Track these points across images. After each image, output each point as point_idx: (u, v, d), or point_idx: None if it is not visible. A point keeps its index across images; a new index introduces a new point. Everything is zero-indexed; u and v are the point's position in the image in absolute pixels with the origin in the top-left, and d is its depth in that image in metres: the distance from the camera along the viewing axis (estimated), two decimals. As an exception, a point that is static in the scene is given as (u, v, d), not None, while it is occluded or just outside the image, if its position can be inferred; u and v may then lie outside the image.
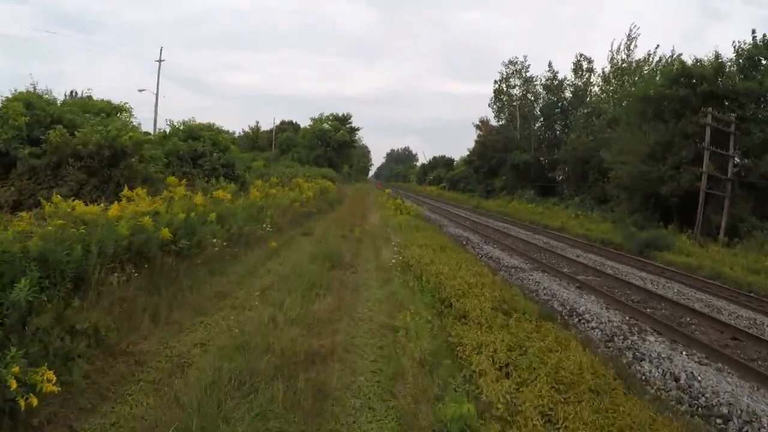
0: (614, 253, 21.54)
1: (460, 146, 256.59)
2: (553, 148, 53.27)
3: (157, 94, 46.85)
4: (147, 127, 55.38)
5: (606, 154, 35.70)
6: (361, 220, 20.85)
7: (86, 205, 8.47)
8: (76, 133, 11.50)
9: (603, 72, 48.37)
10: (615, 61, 47.04)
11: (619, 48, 47.11)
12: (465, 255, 13.96)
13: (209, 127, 17.87)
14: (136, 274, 6.80)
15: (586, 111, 52.28)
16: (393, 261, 11.35)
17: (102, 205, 7.83)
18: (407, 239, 14.20)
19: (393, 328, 7.18)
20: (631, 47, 46.69)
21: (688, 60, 31.85)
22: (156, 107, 47.01)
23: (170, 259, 7.77)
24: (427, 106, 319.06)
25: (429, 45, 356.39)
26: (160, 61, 47.95)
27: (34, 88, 13.86)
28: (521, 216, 36.80)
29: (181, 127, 17.58)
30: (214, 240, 9.46)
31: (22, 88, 13.17)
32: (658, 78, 34.86)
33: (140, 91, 48.72)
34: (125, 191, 8.71)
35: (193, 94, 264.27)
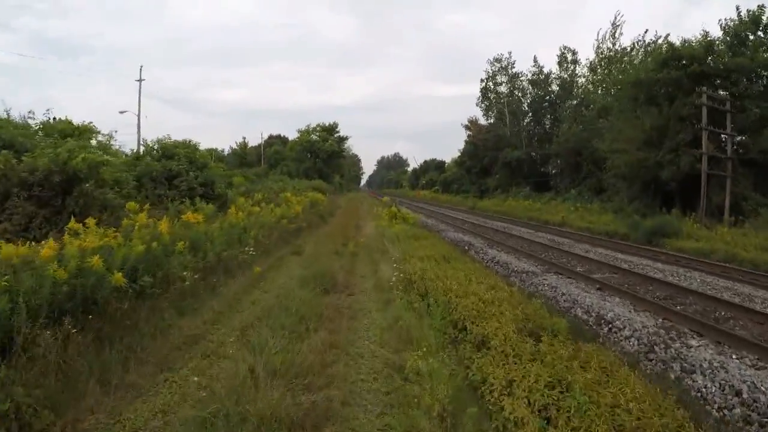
0: (623, 245, 20.35)
1: (450, 149, 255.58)
2: (544, 143, 52.25)
3: (138, 115, 45.47)
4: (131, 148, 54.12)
5: (600, 143, 34.62)
6: (355, 232, 19.53)
7: (33, 242, 7.14)
8: (23, 158, 10.11)
9: (589, 61, 47.37)
10: (601, 49, 46.03)
11: (605, 36, 46.14)
12: (472, 264, 12.64)
13: (185, 145, 16.51)
14: (75, 331, 5.38)
15: (574, 102, 51.41)
16: (393, 278, 10.01)
17: (47, 242, 6.47)
18: (406, 250, 12.87)
19: (400, 367, 5.84)
20: (617, 35, 45.75)
21: (676, 41, 31.03)
22: (138, 128, 45.64)
23: (126, 304, 6.36)
24: (415, 110, 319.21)
25: (414, 49, 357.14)
26: (140, 80, 46.60)
27: (8, 114, 12.47)
28: (519, 213, 35.62)
29: (155, 146, 16.19)
30: (185, 272, 8.06)
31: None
32: (649, 62, 33.86)
33: (121, 112, 47.46)
34: (71, 223, 7.29)
35: (182, 113, 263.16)
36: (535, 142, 53.44)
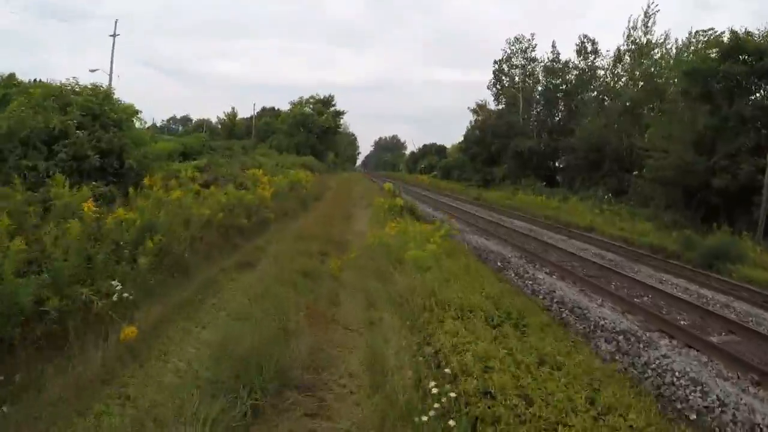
0: (688, 271, 15.29)
1: (449, 135, 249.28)
2: (554, 134, 46.66)
3: (110, 74, 39.40)
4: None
5: (638, 140, 29.15)
6: (343, 231, 14.03)
7: None
8: None
9: (618, 50, 41.49)
10: (632, 38, 40.18)
11: (635, 25, 40.20)
12: (538, 317, 7.10)
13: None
14: None
15: (593, 94, 45.96)
16: (410, 373, 4.49)
17: None
18: (428, 285, 7.25)
19: None
20: (649, 24, 39.84)
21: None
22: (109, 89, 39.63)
23: None
24: (415, 94, 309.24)
25: (418, 32, 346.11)
26: (114, 35, 40.42)
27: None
28: (534, 211, 30.13)
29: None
30: None
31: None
32: (705, 53, 28.41)
33: (92, 71, 41.28)
34: None
35: (178, 84, 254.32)
36: (545, 134, 47.89)
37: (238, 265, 9.01)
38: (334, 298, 7.60)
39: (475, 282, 8.12)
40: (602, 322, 8.47)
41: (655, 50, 38.65)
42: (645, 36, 39.60)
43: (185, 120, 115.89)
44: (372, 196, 28.18)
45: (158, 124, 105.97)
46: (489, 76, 53.39)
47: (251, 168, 15.74)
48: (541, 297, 9.76)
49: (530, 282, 10.86)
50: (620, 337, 7.81)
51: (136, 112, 12.13)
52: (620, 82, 42.14)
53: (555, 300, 9.60)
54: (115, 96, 11.76)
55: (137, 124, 12.85)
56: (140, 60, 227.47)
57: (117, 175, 9.66)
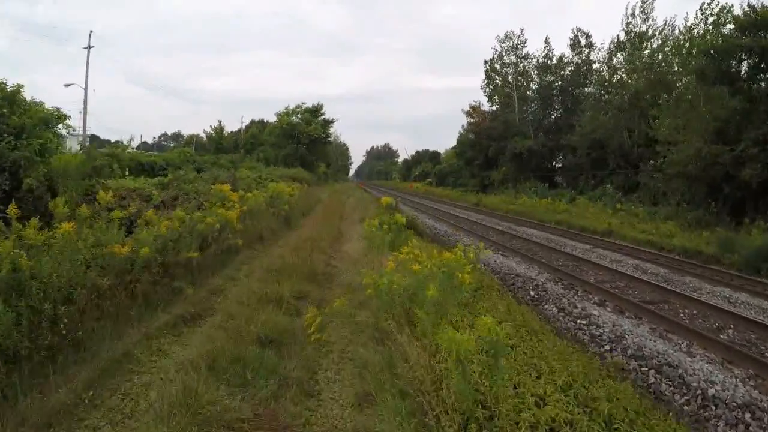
0: (744, 280, 12.56)
1: (441, 141, 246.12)
2: (551, 134, 43.93)
3: (86, 88, 36.79)
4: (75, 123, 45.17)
5: (654, 131, 26.30)
6: (331, 257, 11.11)
7: None
8: None
9: (617, 39, 38.83)
10: (631, 25, 37.53)
11: (633, 12, 37.56)
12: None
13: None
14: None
15: (589, 89, 43.36)
16: None
17: None
18: (464, 375, 4.36)
19: None
20: (648, 11, 37.22)
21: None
22: (85, 103, 37.01)
23: None
24: (406, 102, 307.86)
25: (405, 41, 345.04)
26: (88, 47, 37.79)
27: None
28: (542, 216, 27.28)
29: None
30: None
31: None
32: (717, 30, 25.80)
33: (66, 85, 38.63)
34: None
35: (168, 101, 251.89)
36: (541, 134, 45.18)
37: (173, 325, 6.09)
38: (308, 384, 4.73)
39: (527, 345, 5.25)
40: (710, 389, 5.63)
41: (656, 37, 36.03)
42: (644, 23, 37.03)
43: (177, 136, 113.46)
44: (365, 208, 25.31)
45: (149, 142, 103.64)
46: (479, 81, 51.01)
47: (222, 183, 12.81)
48: (607, 347, 6.90)
49: (583, 322, 7.95)
50: (746, 416, 4.99)
51: (60, 117, 9.25)
52: (617, 75, 39.53)
53: (629, 353, 6.71)
54: (31, 98, 8.95)
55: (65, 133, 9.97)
56: (131, 79, 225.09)
57: (10, 198, 6.78)
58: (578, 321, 8.02)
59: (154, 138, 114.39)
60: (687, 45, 29.59)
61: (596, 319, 8.10)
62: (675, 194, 25.33)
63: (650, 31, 36.68)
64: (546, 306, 8.91)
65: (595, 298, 9.60)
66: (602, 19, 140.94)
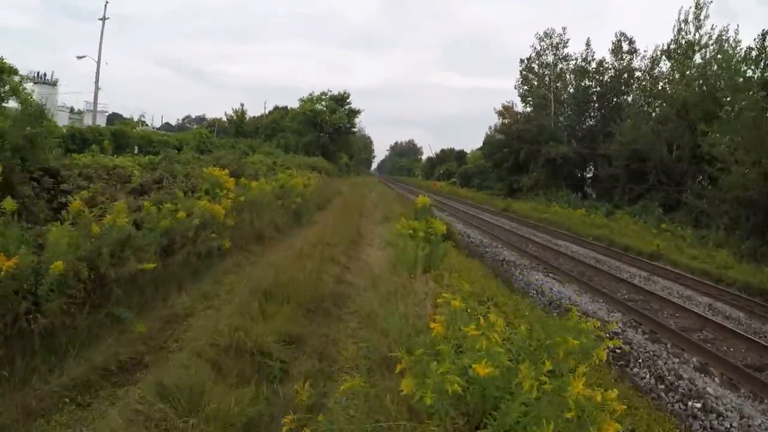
0: None
1: (463, 142, 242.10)
2: (585, 141, 40.88)
3: (99, 61, 34.83)
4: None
5: (710, 146, 23.36)
6: (343, 272, 8.73)
7: None
8: None
9: (668, 47, 35.62)
10: (683, 31, 34.35)
11: (687, 18, 34.34)
12: None
13: None
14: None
15: (631, 98, 40.20)
16: None
17: None
18: None
19: None
20: (702, 17, 33.97)
21: None
22: (97, 76, 35.06)
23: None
24: (429, 99, 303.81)
25: (434, 38, 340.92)
26: (104, 19, 35.78)
27: None
28: (578, 229, 24.63)
29: None
30: None
31: None
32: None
33: (79, 57, 36.77)
34: None
35: (194, 84, 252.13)
36: (574, 141, 42.16)
37: (84, 385, 3.79)
38: None
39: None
40: None
41: (710, 47, 32.84)
42: (697, 31, 33.84)
43: (200, 119, 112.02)
44: (388, 205, 22.90)
45: (172, 123, 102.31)
46: (505, 83, 48.08)
47: (222, 167, 10.47)
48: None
49: (697, 406, 5.46)
50: None
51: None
52: (660, 84, 36.43)
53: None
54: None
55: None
56: (159, 60, 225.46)
57: None
58: (690, 404, 5.52)
59: (178, 120, 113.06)
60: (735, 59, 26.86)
61: (712, 400, 5.59)
62: (722, 218, 22.57)
63: (703, 40, 33.53)
64: (637, 370, 6.42)
65: (693, 359, 7.07)
66: (642, 26, 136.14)
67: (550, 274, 12.37)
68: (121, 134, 22.89)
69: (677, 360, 6.89)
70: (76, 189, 6.92)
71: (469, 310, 3.79)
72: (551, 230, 24.30)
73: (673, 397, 5.76)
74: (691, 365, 6.80)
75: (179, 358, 4.18)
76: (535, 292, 10.39)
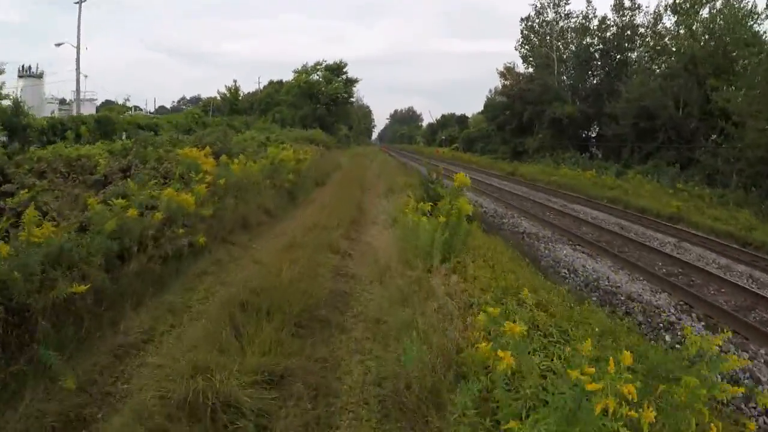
0: None
1: (465, 107, 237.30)
2: (588, 100, 39.07)
3: (78, 47, 33.02)
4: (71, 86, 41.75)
5: (725, 101, 21.73)
6: (342, 263, 7.47)
7: None
8: None
9: (673, 1, 33.42)
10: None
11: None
12: None
13: None
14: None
15: (635, 54, 38.23)
16: None
17: None
18: None
19: None
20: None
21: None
22: (78, 62, 33.34)
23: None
24: (430, 66, 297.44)
25: (432, 2, 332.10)
26: (80, 2, 33.78)
27: None
28: (589, 191, 23.37)
29: None
30: None
31: None
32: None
33: (57, 45, 35.06)
34: None
35: (189, 66, 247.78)
36: (578, 100, 40.36)
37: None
38: None
39: None
40: None
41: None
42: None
43: (195, 100, 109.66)
44: (391, 175, 21.57)
45: (167, 106, 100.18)
46: (507, 46, 45.97)
47: (203, 146, 9.19)
48: None
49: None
50: None
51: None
52: (666, 40, 34.45)
53: None
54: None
55: None
56: (151, 46, 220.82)
57: None
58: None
59: (173, 102, 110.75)
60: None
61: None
62: (739, 177, 21.22)
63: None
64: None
65: (761, 351, 5.88)
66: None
67: (578, 247, 11.17)
68: (106, 120, 21.50)
69: (746, 354, 5.72)
70: (19, 189, 5.70)
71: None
72: (563, 194, 23.05)
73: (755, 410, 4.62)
74: (762, 360, 5.64)
75: (114, 426, 3.01)
76: (566, 270, 9.18)
